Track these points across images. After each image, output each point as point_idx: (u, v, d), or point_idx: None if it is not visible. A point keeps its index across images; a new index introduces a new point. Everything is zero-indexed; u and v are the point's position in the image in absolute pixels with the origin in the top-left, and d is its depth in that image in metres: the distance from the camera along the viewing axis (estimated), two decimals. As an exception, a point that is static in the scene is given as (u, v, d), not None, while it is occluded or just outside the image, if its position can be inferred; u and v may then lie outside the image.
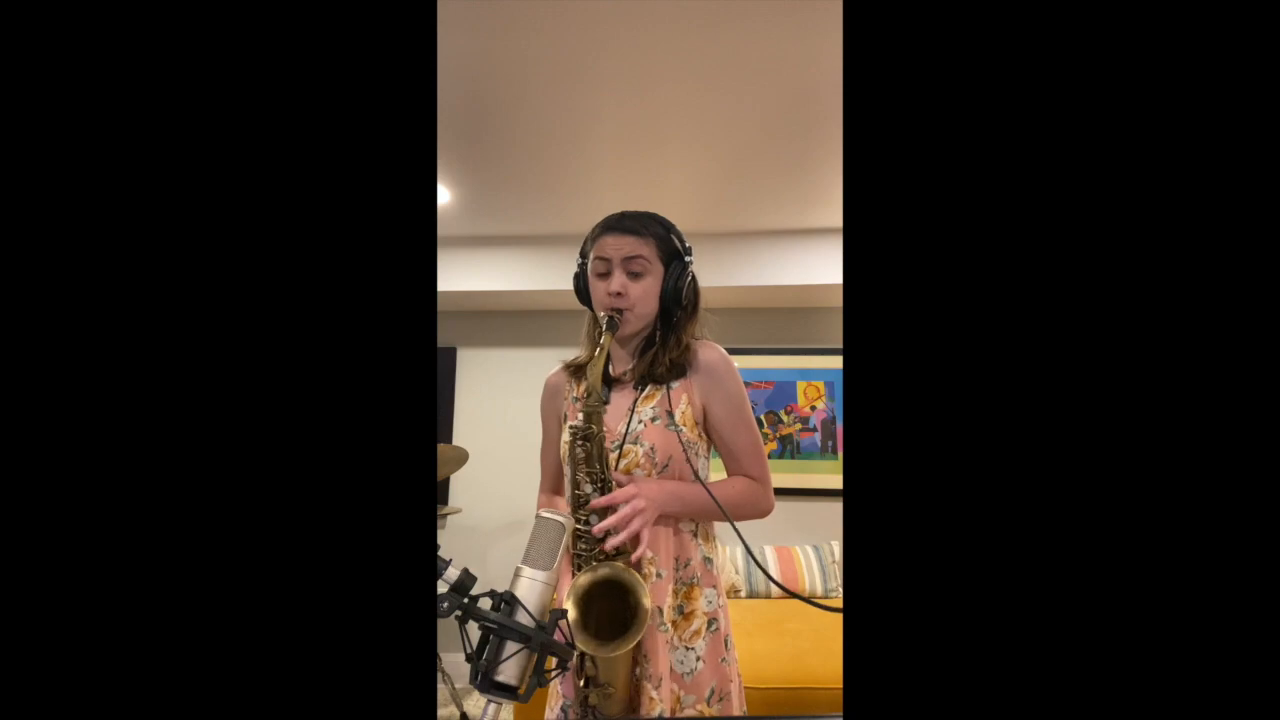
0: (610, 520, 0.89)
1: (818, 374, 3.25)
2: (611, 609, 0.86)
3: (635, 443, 0.99)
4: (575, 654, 0.89)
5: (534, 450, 1.19)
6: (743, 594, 2.76)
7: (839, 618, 2.20)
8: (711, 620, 1.01)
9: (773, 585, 2.75)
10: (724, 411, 1.04)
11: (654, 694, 0.94)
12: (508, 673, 0.62)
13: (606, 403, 1.03)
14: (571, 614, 0.84)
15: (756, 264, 2.95)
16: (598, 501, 0.91)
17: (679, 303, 1.04)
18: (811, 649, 2.09)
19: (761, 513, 1.05)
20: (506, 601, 0.64)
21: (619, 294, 1.00)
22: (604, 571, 0.87)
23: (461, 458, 2.82)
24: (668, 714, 0.95)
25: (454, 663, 2.99)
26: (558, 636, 0.64)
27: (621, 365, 1.09)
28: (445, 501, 3.27)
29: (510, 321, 3.40)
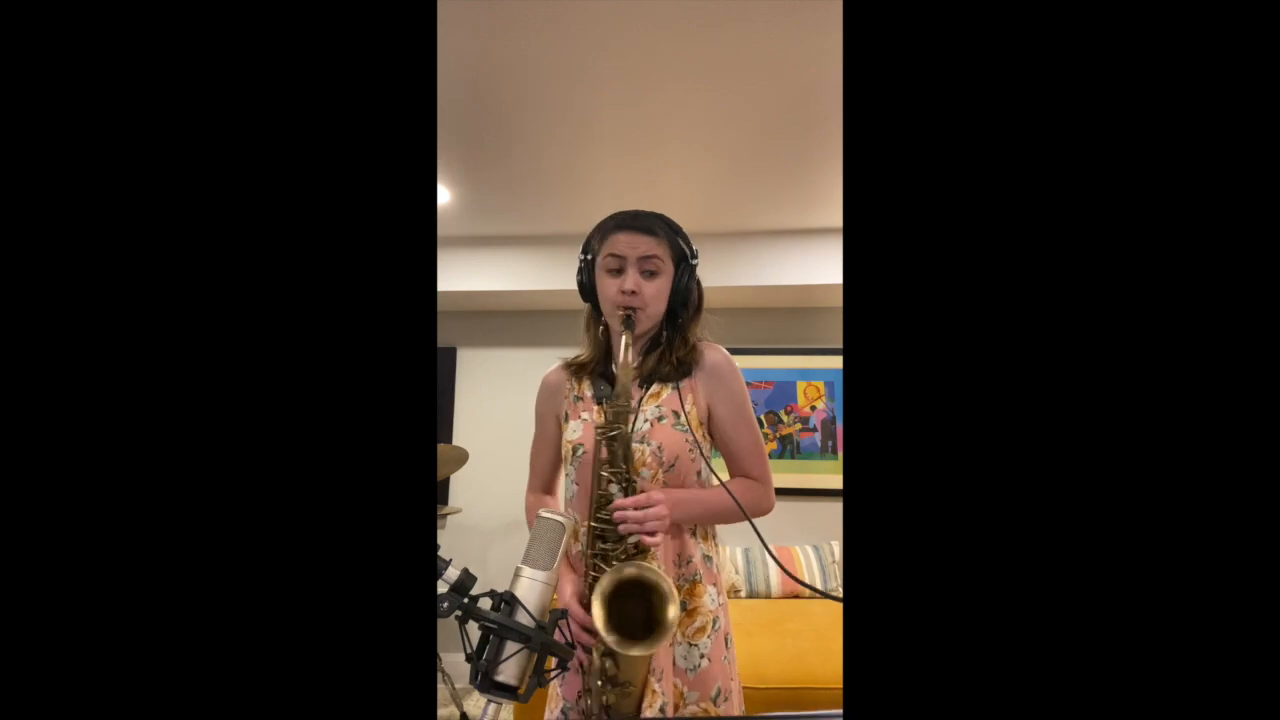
0: (636, 518, 0.88)
1: (818, 374, 3.25)
2: (634, 608, 0.86)
3: (642, 441, 0.99)
4: (594, 653, 0.89)
5: (535, 449, 1.18)
6: (743, 594, 2.76)
7: (839, 617, 2.21)
8: (715, 618, 1.02)
9: (773, 585, 2.75)
10: (728, 412, 1.05)
11: (656, 687, 0.94)
12: (508, 673, 0.62)
13: (613, 400, 1.03)
14: (598, 614, 0.83)
15: (756, 264, 2.95)
16: (621, 502, 0.91)
17: (686, 304, 1.05)
18: (811, 649, 2.09)
19: (763, 511, 1.06)
20: (506, 601, 0.64)
21: (634, 293, 0.99)
22: (629, 571, 0.87)
23: (461, 458, 2.82)
24: (669, 707, 0.95)
25: (454, 663, 2.99)
26: (557, 636, 0.64)
27: None
28: (445, 501, 3.27)
29: (510, 321, 3.40)
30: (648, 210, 1.06)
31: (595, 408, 1.04)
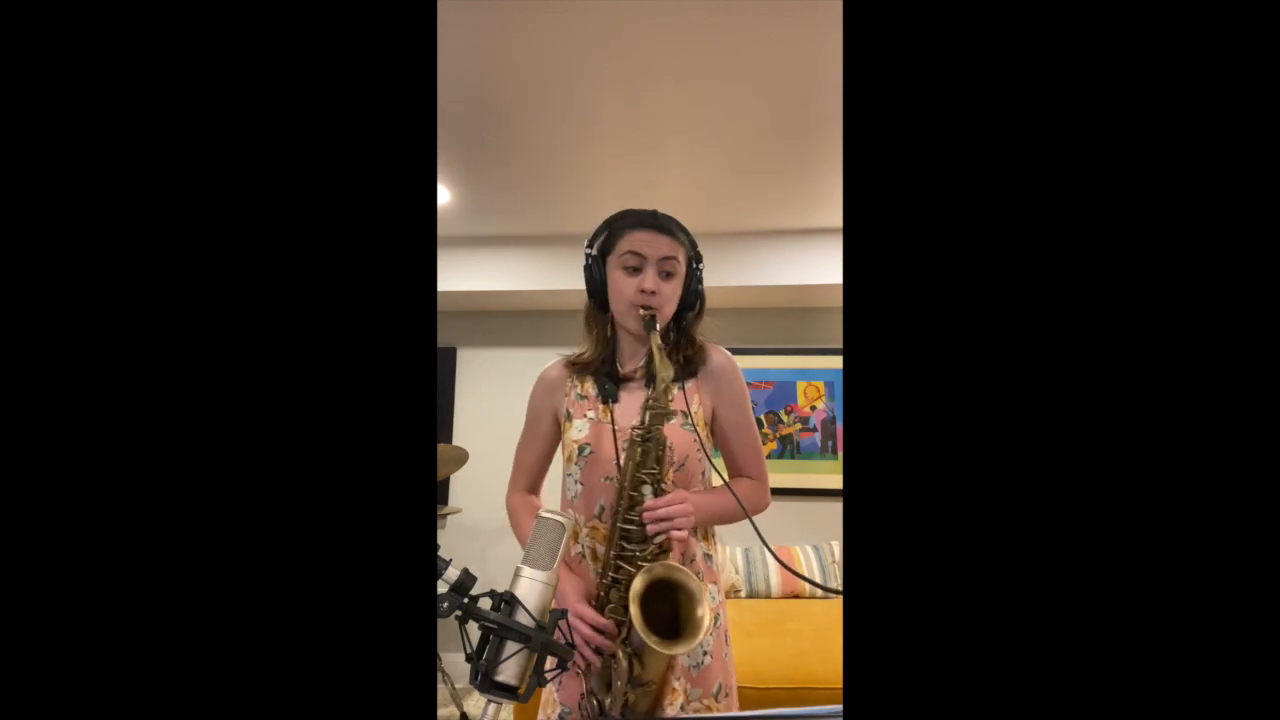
0: (668, 514, 0.88)
1: (818, 374, 3.25)
2: (661, 608, 0.86)
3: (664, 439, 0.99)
4: (619, 654, 0.89)
5: (534, 449, 1.17)
6: (743, 594, 2.76)
7: (839, 617, 2.21)
8: (716, 616, 1.03)
9: (773, 585, 2.75)
10: (730, 413, 1.07)
11: (676, 684, 0.95)
12: (508, 673, 0.62)
13: (617, 401, 1.02)
14: (637, 615, 0.82)
15: (756, 264, 2.95)
16: (653, 503, 0.90)
17: (693, 305, 1.06)
18: (811, 649, 2.09)
19: (761, 510, 1.08)
20: (506, 601, 0.64)
21: (654, 293, 0.99)
22: (659, 571, 0.87)
23: (461, 458, 2.82)
24: (678, 701, 0.95)
25: (454, 663, 2.99)
26: (557, 636, 0.64)
27: (631, 363, 1.08)
28: (445, 501, 3.27)
29: (510, 321, 3.40)
30: (654, 210, 1.06)
31: (600, 407, 1.04)
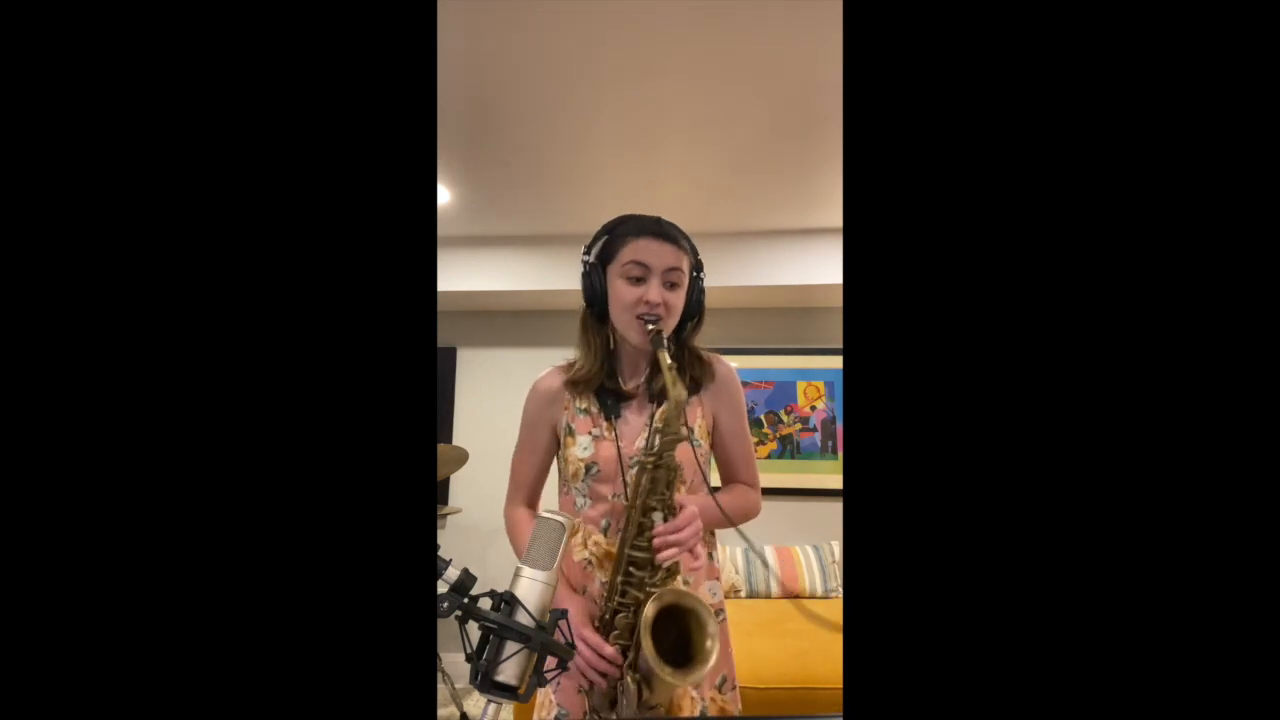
0: (679, 537, 0.87)
1: (818, 374, 3.25)
2: (668, 632, 0.85)
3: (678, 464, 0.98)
4: (626, 680, 0.88)
5: (535, 451, 1.16)
6: (743, 594, 2.76)
7: (838, 617, 2.21)
8: (718, 611, 1.03)
9: (772, 585, 2.75)
10: (730, 424, 1.06)
11: (694, 694, 0.96)
12: (508, 673, 0.62)
13: (620, 418, 1.01)
14: (649, 648, 0.81)
15: (756, 264, 2.95)
16: (664, 528, 0.88)
17: (694, 316, 1.04)
18: (811, 649, 2.08)
19: (755, 514, 1.09)
20: (506, 601, 0.64)
21: (659, 304, 0.95)
22: (669, 598, 0.86)
23: (461, 458, 2.82)
24: (709, 707, 0.96)
25: (454, 663, 2.99)
26: (557, 636, 0.64)
27: (633, 378, 1.05)
28: (445, 501, 3.27)
29: (510, 321, 3.40)
30: (657, 216, 1.03)
31: (605, 424, 1.01)
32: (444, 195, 2.59)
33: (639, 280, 0.97)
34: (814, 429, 3.22)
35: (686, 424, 0.98)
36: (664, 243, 0.97)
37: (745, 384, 3.05)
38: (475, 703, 1.35)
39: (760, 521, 1.09)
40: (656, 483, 0.91)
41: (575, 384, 1.05)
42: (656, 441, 0.91)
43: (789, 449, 3.21)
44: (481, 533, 3.25)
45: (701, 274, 1.04)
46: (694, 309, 1.03)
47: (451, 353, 3.41)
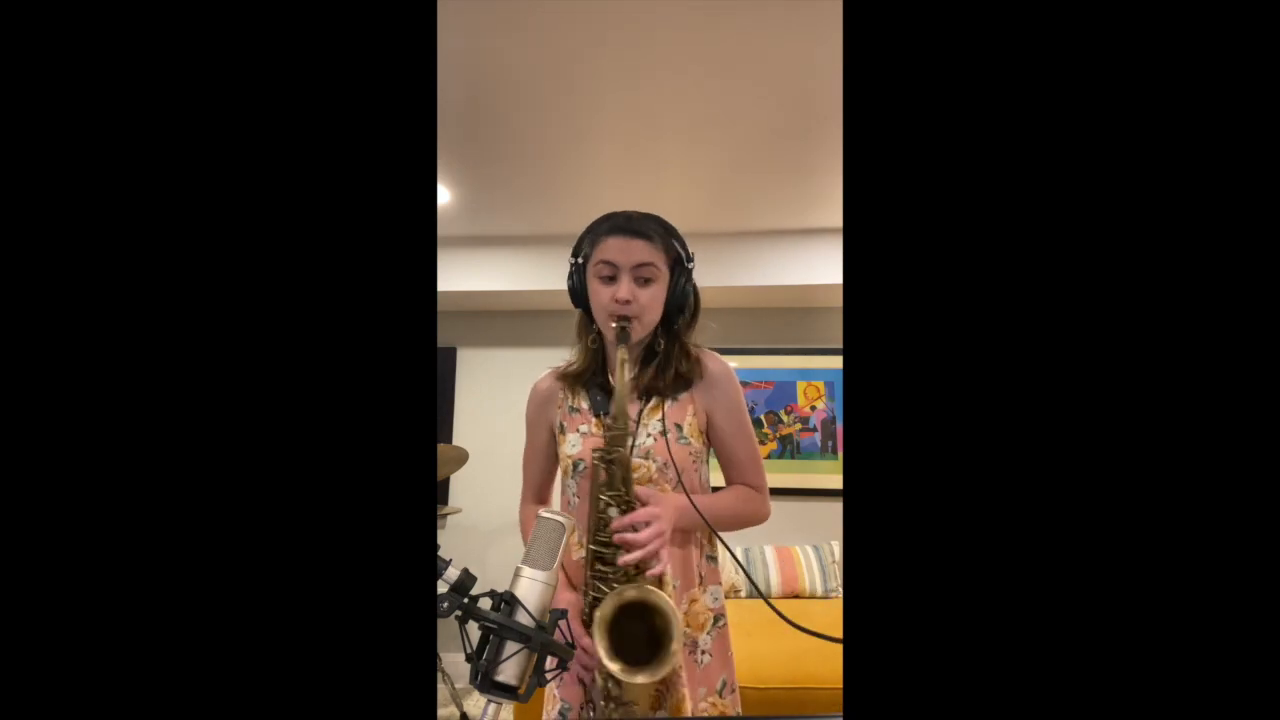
0: (636, 541, 0.87)
1: (818, 374, 3.25)
2: (636, 630, 0.85)
3: (645, 457, 0.98)
4: (595, 674, 0.88)
5: (534, 450, 1.17)
6: (743, 594, 2.76)
7: (839, 617, 2.20)
8: (718, 616, 1.03)
9: (772, 586, 2.74)
10: (726, 421, 1.04)
11: (685, 692, 0.95)
12: (508, 673, 0.62)
13: (608, 414, 1.00)
14: (600, 642, 0.82)
15: (756, 264, 2.95)
16: (620, 523, 0.88)
17: (682, 311, 1.02)
18: (811, 649, 2.08)
19: (760, 520, 1.06)
20: (506, 601, 0.64)
21: (628, 301, 0.95)
22: (630, 594, 0.86)
23: (461, 458, 2.82)
24: (687, 706, 0.95)
25: (454, 663, 2.99)
26: (558, 636, 0.64)
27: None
28: (445, 501, 3.27)
29: (510, 321, 3.40)
30: (642, 212, 1.02)
31: (594, 420, 1.02)
32: (444, 195, 2.59)
33: (610, 279, 0.97)
34: (814, 429, 3.22)
35: (677, 421, 0.99)
36: (631, 239, 0.97)
37: (745, 384, 3.05)
38: (475, 703, 1.36)
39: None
40: (612, 477, 0.91)
41: (569, 382, 1.07)
42: (606, 437, 0.92)
43: (789, 449, 3.22)
44: (481, 533, 3.25)
45: (688, 266, 1.01)
46: (678, 303, 1.01)
47: (451, 353, 3.41)
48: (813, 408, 3.24)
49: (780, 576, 2.80)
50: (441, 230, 2.90)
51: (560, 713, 0.99)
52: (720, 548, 1.07)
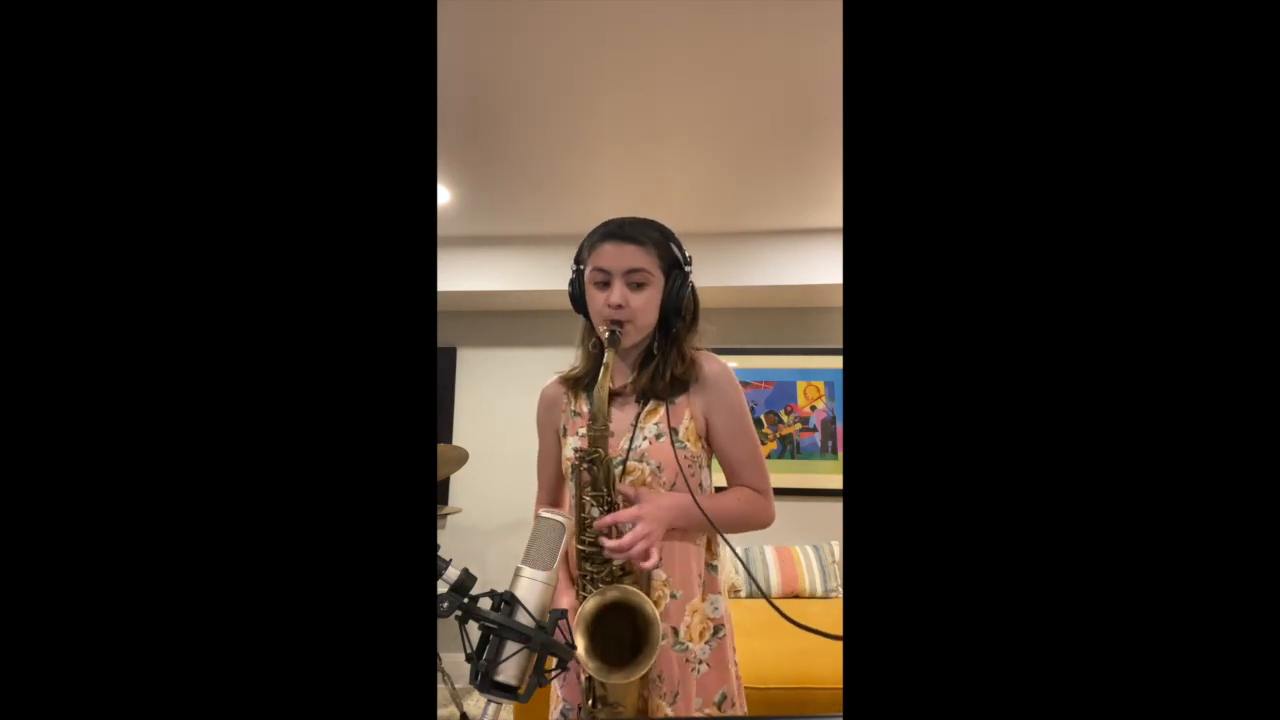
0: (619, 544, 0.87)
1: (818, 374, 3.25)
2: (620, 631, 0.86)
3: (640, 460, 0.98)
4: (584, 676, 0.89)
5: (534, 450, 1.18)
6: (743, 594, 2.76)
7: (839, 617, 2.20)
8: (718, 627, 1.02)
9: (773, 585, 2.74)
10: (726, 424, 1.03)
11: (669, 709, 0.95)
12: (508, 673, 0.62)
13: (590, 426, 1.02)
14: (580, 641, 0.82)
15: (756, 264, 2.95)
16: (601, 522, 0.89)
17: (679, 314, 1.02)
18: (812, 649, 2.08)
19: (764, 523, 1.05)
20: (506, 601, 0.64)
21: (620, 306, 0.97)
22: (612, 594, 0.86)
23: (461, 458, 2.82)
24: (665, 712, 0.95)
25: (454, 663, 2.99)
26: (558, 636, 0.64)
27: (621, 378, 1.05)
28: (445, 501, 3.27)
29: (510, 321, 3.40)
30: (637, 217, 1.02)
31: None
32: (444, 195, 2.59)
33: (604, 284, 0.99)
34: (814, 429, 3.22)
35: (672, 425, 0.99)
36: (623, 244, 0.98)
37: (745, 384, 3.05)
38: (475, 703, 1.35)
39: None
40: (595, 478, 0.92)
41: (571, 386, 1.09)
42: (588, 439, 0.93)
43: (789, 449, 3.22)
44: (481, 533, 3.25)
45: (685, 270, 1.02)
46: (673, 306, 1.01)
47: (451, 353, 3.41)
48: (813, 408, 3.24)
49: (780, 576, 2.80)
50: (441, 230, 2.90)
51: (562, 713, 0.99)
52: (721, 552, 1.06)
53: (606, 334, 0.97)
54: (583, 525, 0.93)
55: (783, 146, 2.18)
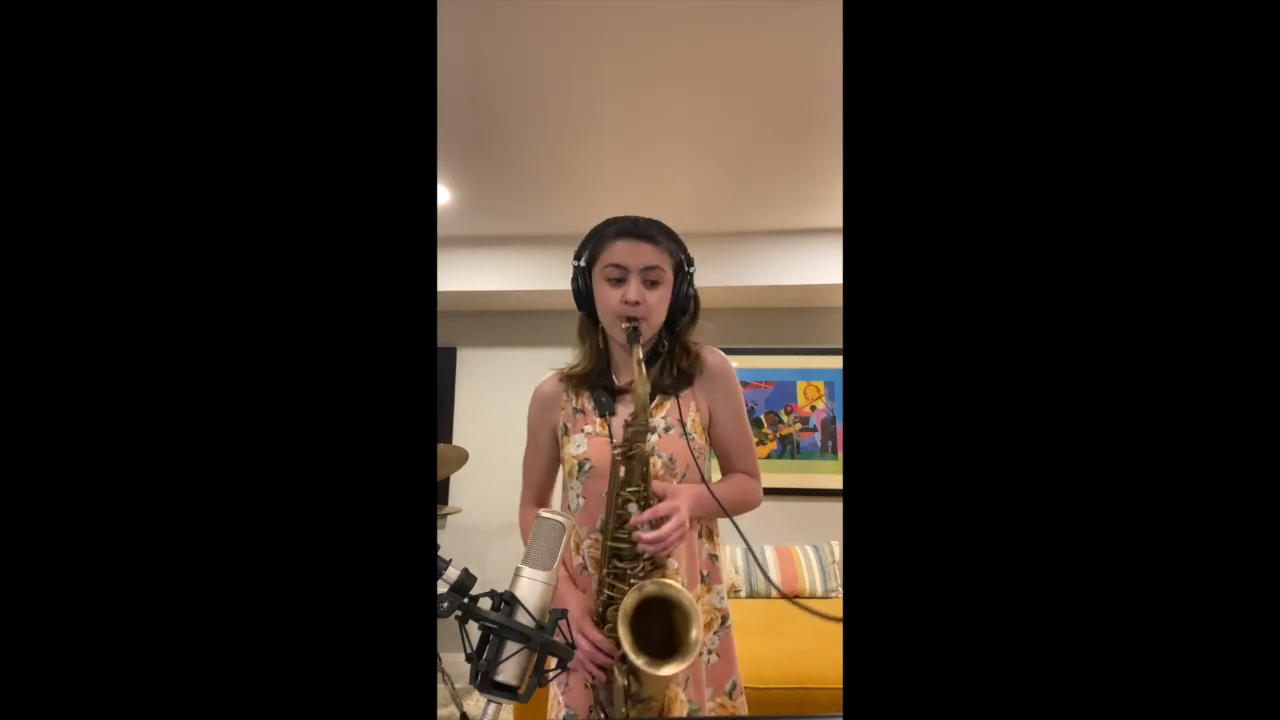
0: (659, 534, 0.88)
1: (818, 374, 3.25)
2: (655, 625, 0.86)
3: (652, 453, 0.99)
4: (614, 671, 0.89)
5: (535, 450, 1.17)
6: (743, 594, 2.76)
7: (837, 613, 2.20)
8: (724, 616, 1.03)
9: (773, 585, 2.75)
10: (726, 415, 1.07)
11: (682, 695, 0.95)
12: (508, 673, 0.62)
13: (614, 414, 1.02)
14: (626, 638, 0.83)
15: (756, 264, 2.95)
16: (641, 517, 0.90)
17: (685, 312, 1.04)
18: (811, 649, 2.08)
19: (754, 505, 1.09)
20: (506, 601, 0.64)
21: (638, 303, 0.97)
22: (650, 588, 0.86)
23: (461, 458, 2.82)
24: (701, 710, 0.96)
25: (454, 663, 2.98)
26: (558, 636, 0.64)
27: (626, 374, 1.06)
28: (445, 501, 3.27)
29: (510, 321, 3.40)
30: (646, 217, 1.04)
31: (598, 420, 1.03)
32: (444, 195, 2.59)
33: (619, 281, 0.99)
34: (814, 429, 3.22)
35: (681, 418, 1.00)
36: (640, 242, 1.00)
37: (745, 384, 3.05)
38: (475, 703, 1.35)
39: (760, 521, 1.09)
40: (631, 474, 0.93)
41: (572, 382, 1.08)
42: (628, 434, 0.94)
43: (789, 449, 3.21)
44: (481, 533, 3.25)
45: (690, 270, 1.04)
46: (681, 305, 1.03)
47: (451, 353, 3.41)
48: (813, 408, 3.23)
49: (780, 576, 2.80)
50: (441, 230, 2.90)
51: (565, 719, 0.98)
52: (720, 546, 1.08)
53: (628, 330, 0.97)
54: (618, 522, 0.93)
55: (783, 146, 2.18)
